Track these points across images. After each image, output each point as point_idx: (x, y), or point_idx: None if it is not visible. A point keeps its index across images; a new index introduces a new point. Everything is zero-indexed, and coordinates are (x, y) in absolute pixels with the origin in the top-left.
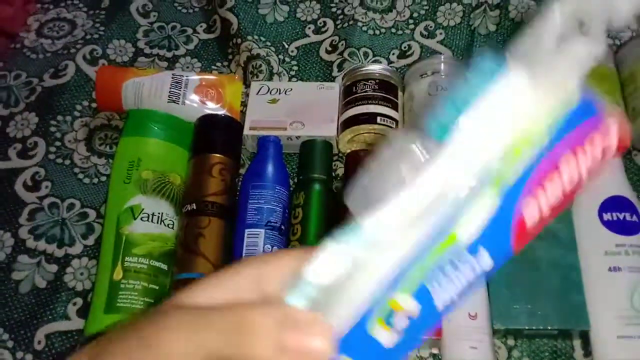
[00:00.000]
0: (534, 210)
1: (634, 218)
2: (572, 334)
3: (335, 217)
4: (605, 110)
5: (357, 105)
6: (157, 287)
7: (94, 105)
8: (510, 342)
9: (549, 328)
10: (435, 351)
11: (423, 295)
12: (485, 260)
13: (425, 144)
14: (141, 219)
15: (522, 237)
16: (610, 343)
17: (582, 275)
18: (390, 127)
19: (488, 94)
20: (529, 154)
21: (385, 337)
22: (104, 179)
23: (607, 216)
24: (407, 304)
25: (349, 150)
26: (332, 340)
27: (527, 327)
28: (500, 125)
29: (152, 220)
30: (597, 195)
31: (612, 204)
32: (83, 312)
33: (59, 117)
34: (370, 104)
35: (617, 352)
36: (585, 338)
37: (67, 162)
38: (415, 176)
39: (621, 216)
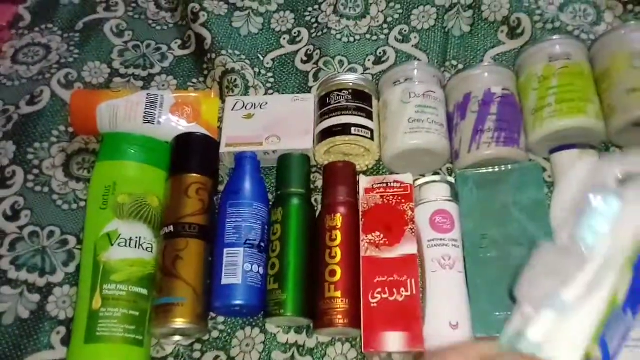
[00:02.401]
0: None
1: None
2: None
3: (314, 231)
4: None
5: (332, 116)
6: (137, 313)
7: (70, 129)
8: None
9: None
10: None
11: (603, 345)
12: (630, 318)
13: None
14: (118, 244)
15: None
16: None
17: None
18: (365, 136)
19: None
20: None
21: None
22: (82, 204)
23: None
24: (596, 352)
25: (326, 162)
26: None
27: None
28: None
29: (129, 245)
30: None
31: None
32: (67, 341)
33: (36, 144)
34: (344, 114)
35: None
36: None
37: (46, 189)
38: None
39: None
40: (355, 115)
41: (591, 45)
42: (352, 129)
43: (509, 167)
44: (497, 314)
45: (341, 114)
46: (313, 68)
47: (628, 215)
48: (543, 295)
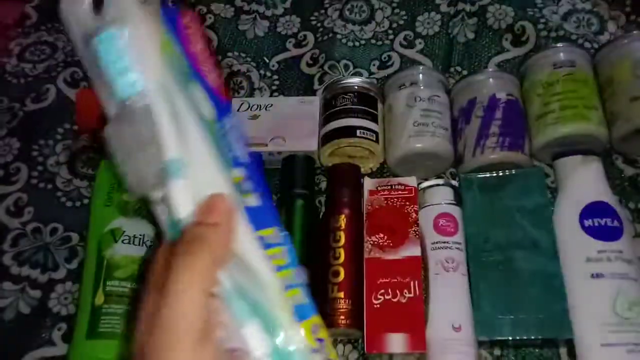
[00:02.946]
0: None
1: (615, 223)
2: (558, 342)
3: (318, 232)
4: None
5: (337, 118)
6: None
7: (75, 127)
8: (497, 352)
9: (533, 338)
10: None
11: (237, 163)
12: (230, 121)
13: None
14: (122, 241)
15: None
16: (595, 351)
17: (564, 283)
18: (370, 139)
19: None
20: None
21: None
22: (86, 201)
23: (588, 222)
24: (237, 173)
25: (330, 164)
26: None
27: (510, 338)
28: None
29: (133, 243)
30: (578, 202)
31: (593, 210)
32: (68, 337)
33: (41, 141)
34: (349, 117)
35: None
36: (570, 346)
37: (50, 186)
38: None
39: (602, 222)
40: (360, 118)
41: (595, 53)
42: (357, 131)
43: (513, 171)
44: (500, 317)
45: (347, 117)
46: (318, 71)
47: (137, 39)
48: (154, 173)
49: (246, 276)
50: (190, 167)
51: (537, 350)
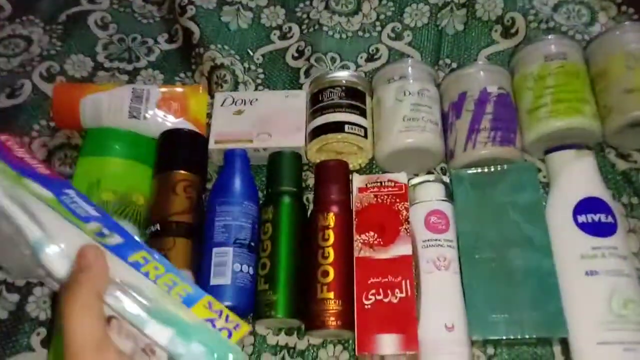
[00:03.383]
0: None
1: (609, 219)
2: (552, 340)
3: (306, 230)
4: None
5: (324, 113)
6: None
7: (52, 124)
8: (490, 350)
9: (527, 337)
10: None
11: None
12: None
13: None
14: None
15: None
16: (590, 350)
17: (558, 281)
18: (359, 134)
19: None
20: None
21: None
22: None
23: (581, 218)
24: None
25: (318, 161)
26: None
27: (504, 337)
28: None
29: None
30: (571, 197)
31: (587, 205)
32: (47, 343)
33: (17, 139)
34: (337, 112)
35: (597, 359)
36: (565, 344)
37: None
38: None
39: (596, 218)
40: (348, 112)
41: (586, 45)
42: (346, 126)
43: (505, 167)
44: (494, 316)
45: (334, 111)
46: (304, 64)
47: None
48: (30, 258)
49: (132, 292)
50: (53, 238)
51: (530, 349)
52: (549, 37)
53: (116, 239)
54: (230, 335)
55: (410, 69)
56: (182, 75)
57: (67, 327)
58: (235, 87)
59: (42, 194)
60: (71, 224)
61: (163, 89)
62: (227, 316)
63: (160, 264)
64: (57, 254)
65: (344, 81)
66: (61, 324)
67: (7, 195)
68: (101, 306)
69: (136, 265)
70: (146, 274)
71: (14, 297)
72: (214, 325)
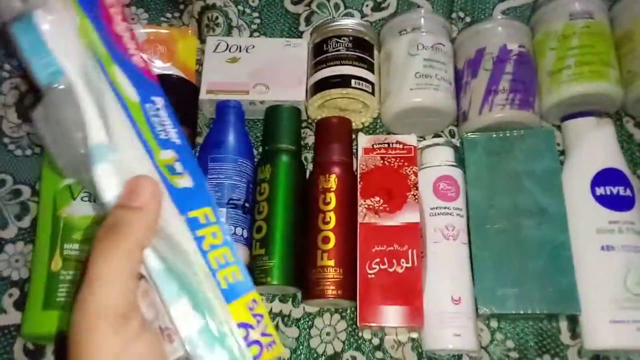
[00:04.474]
0: None
1: (628, 192)
2: (559, 316)
3: (305, 192)
4: None
5: (329, 66)
6: None
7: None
8: (494, 324)
9: (537, 312)
10: (414, 335)
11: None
12: (156, 102)
13: None
14: (81, 199)
15: None
16: (602, 328)
17: (572, 255)
18: (366, 91)
19: None
20: None
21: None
22: (38, 150)
23: (600, 190)
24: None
25: (319, 117)
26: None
27: (514, 312)
28: None
29: (94, 201)
30: (590, 168)
31: (606, 177)
32: (21, 305)
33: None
34: (343, 64)
35: (609, 338)
36: (572, 320)
37: None
38: None
39: (615, 190)
40: (355, 66)
41: (611, 5)
42: (353, 81)
43: (521, 132)
44: (503, 289)
45: (340, 64)
46: (305, 10)
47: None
48: (82, 157)
49: (174, 256)
50: (115, 151)
51: (536, 324)
52: None
53: (186, 182)
54: (261, 352)
55: (423, 20)
56: (168, 15)
57: (91, 289)
58: (228, 32)
59: (127, 93)
60: (141, 144)
61: (147, 30)
62: (265, 327)
63: (220, 232)
64: (111, 172)
65: (350, 30)
66: (87, 266)
67: (85, 76)
68: (139, 262)
69: (193, 224)
70: (200, 239)
71: None
72: (248, 332)
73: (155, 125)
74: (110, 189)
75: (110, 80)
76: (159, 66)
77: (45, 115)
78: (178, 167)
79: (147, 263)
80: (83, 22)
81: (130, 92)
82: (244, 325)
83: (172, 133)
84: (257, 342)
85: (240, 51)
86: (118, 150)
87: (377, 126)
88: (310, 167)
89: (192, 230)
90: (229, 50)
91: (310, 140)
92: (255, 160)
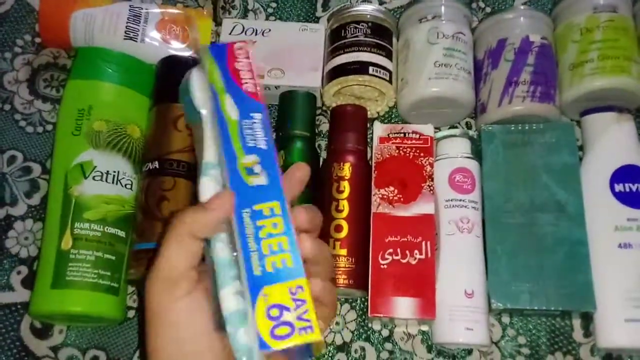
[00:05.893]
0: None
1: None
2: (573, 313)
3: (319, 180)
4: None
5: (346, 52)
6: (113, 257)
7: (38, 40)
8: (505, 319)
9: (552, 309)
10: (424, 328)
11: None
12: (259, 114)
13: None
14: (93, 177)
15: None
16: (617, 326)
17: (589, 252)
18: (384, 78)
19: None
20: None
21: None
22: (50, 127)
23: (619, 187)
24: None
25: (335, 104)
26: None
27: (527, 308)
28: None
29: (106, 180)
30: (609, 164)
31: (625, 173)
32: (29, 283)
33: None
34: (361, 51)
35: (624, 337)
36: (585, 317)
37: (7, 107)
38: None
39: (634, 187)
40: (373, 53)
41: (636, 0)
42: (370, 68)
43: (541, 125)
44: (518, 284)
45: (358, 50)
46: None
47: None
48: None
49: (234, 248)
50: (215, 168)
51: (549, 320)
52: None
53: (260, 180)
54: (291, 333)
55: (443, 8)
56: None
57: (159, 252)
58: (244, 15)
59: (230, 113)
60: (226, 157)
61: (163, 10)
62: (305, 312)
63: (283, 223)
64: (209, 182)
65: (369, 16)
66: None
67: (210, 114)
68: (192, 245)
69: (256, 215)
70: (259, 228)
71: None
72: (282, 313)
73: (247, 135)
74: (204, 195)
75: (219, 106)
76: (175, 47)
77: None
78: (257, 168)
79: (215, 248)
80: (211, 67)
81: (233, 112)
82: (279, 307)
83: (261, 141)
84: (289, 323)
85: (256, 34)
86: (218, 167)
87: (393, 116)
88: (323, 154)
89: (253, 220)
90: (245, 33)
91: (325, 127)
92: None
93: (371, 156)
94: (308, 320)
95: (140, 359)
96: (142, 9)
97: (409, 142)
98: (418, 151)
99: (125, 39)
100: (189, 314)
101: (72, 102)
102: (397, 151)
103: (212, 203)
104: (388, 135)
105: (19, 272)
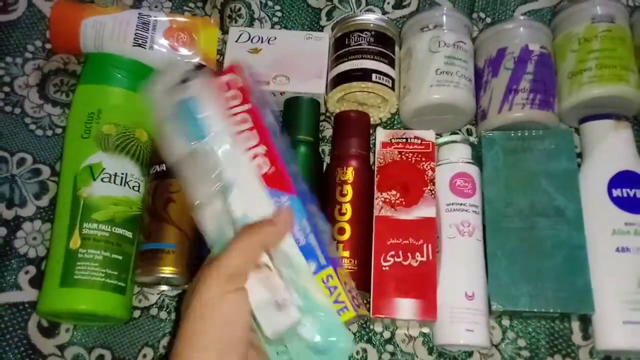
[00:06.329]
0: None
1: None
2: (571, 315)
3: (322, 184)
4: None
5: (350, 59)
6: (120, 257)
7: (48, 46)
8: (505, 322)
9: (551, 311)
10: (425, 330)
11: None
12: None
13: None
14: (102, 179)
15: None
16: (615, 329)
17: (588, 256)
18: (387, 85)
19: None
20: None
21: None
22: (59, 131)
23: (617, 192)
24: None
25: (338, 110)
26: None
27: (527, 310)
28: None
29: (114, 182)
30: (607, 170)
31: (623, 179)
32: (37, 282)
33: (8, 59)
34: (364, 58)
35: (622, 339)
36: (584, 320)
37: (17, 110)
38: None
39: (631, 192)
40: (377, 60)
41: (632, 11)
42: (373, 75)
43: (540, 132)
44: (518, 287)
45: (362, 58)
46: (327, 5)
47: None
48: (214, 189)
49: (286, 265)
50: (237, 186)
51: (548, 323)
52: None
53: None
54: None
55: (445, 17)
56: (191, 5)
57: (224, 251)
58: (250, 24)
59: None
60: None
61: (171, 18)
62: (338, 295)
63: (307, 224)
64: (237, 197)
65: (372, 25)
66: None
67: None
68: (257, 254)
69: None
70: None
71: (2, 231)
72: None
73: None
74: (237, 209)
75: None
76: (182, 54)
77: (188, 164)
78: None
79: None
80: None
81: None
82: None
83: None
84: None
85: (262, 42)
86: (238, 185)
87: (395, 122)
88: (327, 160)
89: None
90: (251, 41)
91: (328, 133)
92: None
93: (374, 161)
94: (342, 302)
95: (169, 347)
96: (150, 17)
97: (411, 147)
98: (420, 156)
99: (134, 45)
100: (237, 306)
101: (82, 106)
102: (399, 156)
103: (276, 218)
104: (390, 140)
105: (26, 272)
